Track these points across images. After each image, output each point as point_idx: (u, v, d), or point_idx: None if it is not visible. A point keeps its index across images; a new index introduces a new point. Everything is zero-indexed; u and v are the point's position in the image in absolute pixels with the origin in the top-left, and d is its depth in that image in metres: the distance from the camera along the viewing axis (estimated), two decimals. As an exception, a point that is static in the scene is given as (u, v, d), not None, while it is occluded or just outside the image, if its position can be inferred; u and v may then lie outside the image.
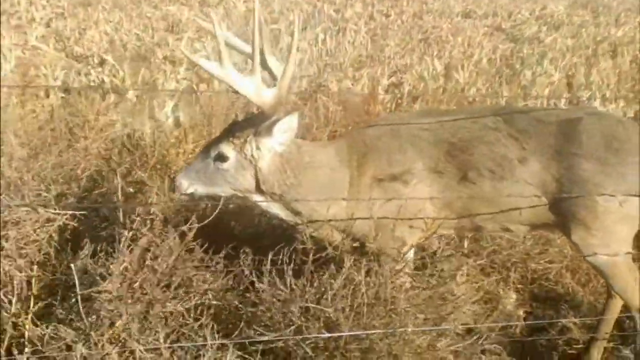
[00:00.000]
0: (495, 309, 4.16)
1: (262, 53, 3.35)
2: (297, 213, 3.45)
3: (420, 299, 3.23)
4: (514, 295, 4.34)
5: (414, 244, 3.57)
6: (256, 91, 3.11)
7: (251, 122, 3.35)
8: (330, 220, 3.41)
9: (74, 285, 2.91)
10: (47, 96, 6.85)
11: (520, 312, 4.25)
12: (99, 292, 2.89)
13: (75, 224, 3.44)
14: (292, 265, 3.06)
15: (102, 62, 8.78)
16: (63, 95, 6.89)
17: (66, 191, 3.90)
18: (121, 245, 3.04)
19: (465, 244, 4.47)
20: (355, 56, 10.23)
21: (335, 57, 9.80)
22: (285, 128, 3.27)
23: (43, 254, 3.37)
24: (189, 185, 3.35)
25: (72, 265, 2.81)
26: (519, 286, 4.40)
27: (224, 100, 5.93)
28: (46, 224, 3.53)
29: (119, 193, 3.37)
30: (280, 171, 3.35)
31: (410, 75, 8.54)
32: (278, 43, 8.99)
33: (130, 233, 3.08)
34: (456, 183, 3.44)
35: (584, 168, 3.31)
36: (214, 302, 3.13)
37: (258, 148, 3.30)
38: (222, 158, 3.30)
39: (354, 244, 3.47)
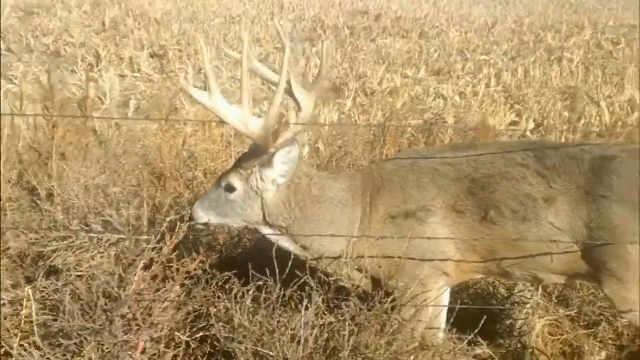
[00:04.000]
0: (578, 365, 3.69)
1: (288, 82, 3.32)
2: (305, 248, 3.30)
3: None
4: (602, 354, 3.78)
5: (441, 287, 3.30)
6: (243, 121, 3.04)
7: (258, 153, 3.25)
8: (339, 257, 3.24)
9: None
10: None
11: (606, 374, 3.70)
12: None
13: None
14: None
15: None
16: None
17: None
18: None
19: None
20: (559, 86, 9.64)
21: (521, 88, 9.29)
22: (285, 160, 3.15)
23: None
24: (203, 215, 3.33)
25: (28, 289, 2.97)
26: (609, 343, 3.82)
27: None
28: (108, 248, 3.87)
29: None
30: (285, 203, 3.23)
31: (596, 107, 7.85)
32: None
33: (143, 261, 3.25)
34: (477, 223, 3.10)
35: (614, 212, 2.91)
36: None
37: (262, 179, 3.21)
38: (230, 188, 3.25)
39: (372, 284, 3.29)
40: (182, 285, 3.40)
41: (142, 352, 3.22)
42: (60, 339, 2.77)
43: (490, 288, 4.14)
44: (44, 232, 3.94)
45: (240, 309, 2.89)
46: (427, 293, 3.22)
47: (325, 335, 2.81)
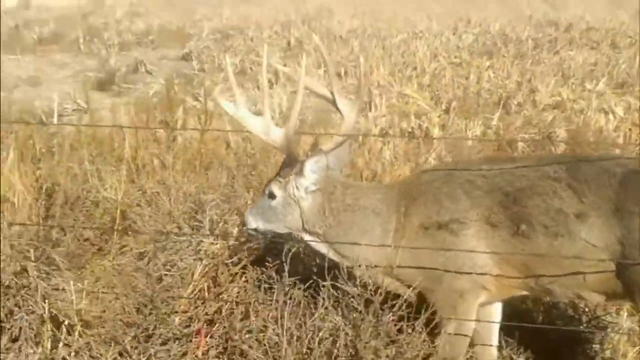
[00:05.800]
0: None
1: (331, 93, 3.49)
2: (341, 255, 3.38)
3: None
4: None
5: (484, 302, 3.27)
6: (265, 130, 3.24)
7: (291, 162, 3.38)
8: (376, 266, 3.26)
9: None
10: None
11: None
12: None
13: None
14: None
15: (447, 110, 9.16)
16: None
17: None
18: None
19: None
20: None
21: None
22: (314, 169, 3.28)
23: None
24: (252, 221, 3.49)
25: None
26: None
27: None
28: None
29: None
30: (320, 211, 3.35)
31: None
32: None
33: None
34: (510, 237, 3.02)
35: None
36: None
37: (297, 188, 3.35)
38: (272, 195, 3.41)
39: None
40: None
41: (203, 347, 3.49)
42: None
43: (571, 310, 3.91)
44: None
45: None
46: (466, 307, 3.19)
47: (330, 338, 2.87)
